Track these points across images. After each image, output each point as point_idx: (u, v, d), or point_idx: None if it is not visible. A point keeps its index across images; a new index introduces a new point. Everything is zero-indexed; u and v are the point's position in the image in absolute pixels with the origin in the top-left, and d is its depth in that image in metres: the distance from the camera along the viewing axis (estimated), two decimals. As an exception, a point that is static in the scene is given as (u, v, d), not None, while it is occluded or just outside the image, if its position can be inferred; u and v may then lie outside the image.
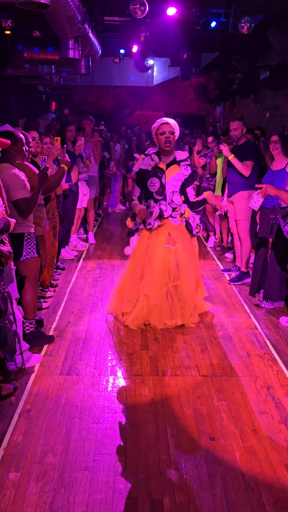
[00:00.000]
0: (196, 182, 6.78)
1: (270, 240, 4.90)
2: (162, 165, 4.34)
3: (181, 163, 4.37)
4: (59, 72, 12.03)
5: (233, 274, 5.91)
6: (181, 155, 4.40)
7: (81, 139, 6.96)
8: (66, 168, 4.48)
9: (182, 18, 7.35)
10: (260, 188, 4.18)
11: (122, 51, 11.11)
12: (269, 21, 7.63)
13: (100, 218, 10.07)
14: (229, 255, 6.95)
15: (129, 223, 4.55)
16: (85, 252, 7.23)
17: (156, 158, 4.32)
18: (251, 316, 4.71)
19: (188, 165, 4.42)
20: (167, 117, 4.50)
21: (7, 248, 3.17)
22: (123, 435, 2.88)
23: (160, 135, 4.20)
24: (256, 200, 4.71)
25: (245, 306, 4.98)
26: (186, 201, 4.45)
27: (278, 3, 6.85)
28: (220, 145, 5.67)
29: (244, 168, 5.50)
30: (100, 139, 8.32)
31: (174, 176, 4.34)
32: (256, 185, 4.34)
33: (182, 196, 4.42)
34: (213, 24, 8.13)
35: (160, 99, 15.43)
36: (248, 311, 4.85)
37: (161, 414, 3.09)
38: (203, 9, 7.48)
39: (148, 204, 4.38)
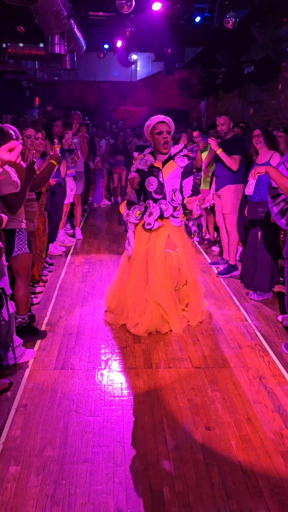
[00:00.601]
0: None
1: (260, 233, 4.95)
2: (158, 164, 4.12)
3: (176, 157, 4.13)
4: (43, 67, 11.92)
5: (221, 267, 5.96)
6: (175, 148, 4.18)
7: (69, 133, 6.95)
8: (55, 164, 4.44)
9: (167, 13, 7.34)
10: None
11: (106, 46, 11.08)
12: (253, 16, 7.70)
13: (86, 214, 10.05)
14: (215, 249, 7.01)
15: (122, 208, 4.28)
16: (72, 247, 7.22)
17: (150, 157, 4.13)
18: (241, 308, 4.77)
19: (185, 155, 4.17)
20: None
21: None
22: (120, 427, 2.90)
23: (157, 135, 4.00)
24: (250, 184, 4.44)
25: (234, 298, 5.04)
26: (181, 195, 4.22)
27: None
28: (209, 139, 5.70)
29: (232, 162, 5.55)
30: (87, 134, 8.29)
31: (172, 173, 4.12)
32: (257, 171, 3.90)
33: (189, 188, 4.22)
34: (198, 19, 8.17)
35: (143, 94, 15.39)
36: (238, 303, 4.90)
37: (157, 406, 3.12)
38: (188, 4, 7.50)
39: (147, 205, 4.12)
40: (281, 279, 5.24)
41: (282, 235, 5.11)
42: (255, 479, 2.48)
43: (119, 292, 4.36)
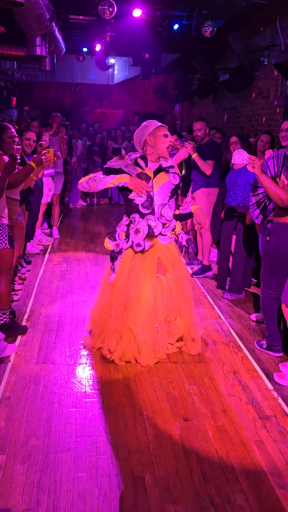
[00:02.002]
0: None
1: (234, 236, 5.11)
2: (149, 172, 3.48)
3: (170, 170, 3.59)
4: (21, 68, 11.87)
5: (195, 268, 6.10)
6: (165, 162, 3.61)
7: (46, 134, 6.97)
8: (34, 166, 4.39)
9: (146, 19, 7.46)
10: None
11: (85, 49, 11.15)
12: (229, 26, 7.89)
13: (62, 214, 10.05)
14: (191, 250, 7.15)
15: (108, 244, 3.64)
16: (50, 246, 7.25)
17: (142, 163, 3.48)
18: (215, 307, 4.91)
19: (175, 173, 3.65)
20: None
21: None
22: (102, 418, 2.98)
23: (164, 137, 3.44)
24: (238, 155, 3.77)
25: (208, 297, 5.18)
26: None
27: (238, 8, 7.10)
28: (185, 143, 5.82)
29: (206, 167, 5.69)
30: (65, 136, 8.32)
31: (162, 186, 3.54)
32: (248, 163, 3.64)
33: (172, 210, 3.66)
34: (176, 26, 8.32)
35: (120, 98, 15.48)
36: (212, 302, 5.04)
37: (137, 398, 3.21)
38: (167, 12, 7.63)
39: (132, 219, 3.52)
40: (254, 280, 5.43)
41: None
42: (231, 466, 2.59)
43: (98, 313, 3.82)
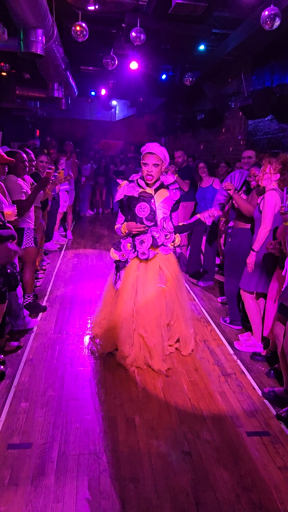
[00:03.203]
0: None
1: (204, 237, 5.15)
2: (150, 190, 3.06)
3: (170, 187, 3.14)
4: (42, 106, 11.81)
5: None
6: (167, 179, 3.16)
7: (62, 159, 6.98)
8: (49, 193, 4.37)
9: (141, 70, 7.45)
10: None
11: (93, 93, 11.10)
12: (205, 77, 7.89)
13: (74, 220, 10.03)
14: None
15: (114, 254, 3.19)
16: (65, 245, 7.24)
17: (142, 183, 3.05)
18: (191, 292, 4.93)
19: (176, 188, 3.18)
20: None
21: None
22: (103, 376, 3.00)
23: (143, 165, 2.98)
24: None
25: (186, 285, 5.18)
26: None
27: (211, 63, 7.12)
28: (169, 166, 5.85)
29: (184, 185, 5.76)
30: (77, 160, 8.31)
31: (164, 201, 3.08)
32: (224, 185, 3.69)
33: (175, 222, 3.22)
34: (164, 76, 8.31)
35: (120, 131, 15.42)
36: (188, 288, 5.06)
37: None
38: (157, 65, 7.62)
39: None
40: (217, 269, 5.47)
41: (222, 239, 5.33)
42: (200, 410, 2.63)
43: (105, 320, 3.33)
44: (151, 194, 3.04)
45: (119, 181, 3.21)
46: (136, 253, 3.09)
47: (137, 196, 3.04)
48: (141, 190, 3.07)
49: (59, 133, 14.84)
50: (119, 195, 3.11)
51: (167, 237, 3.14)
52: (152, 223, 3.03)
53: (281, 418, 2.56)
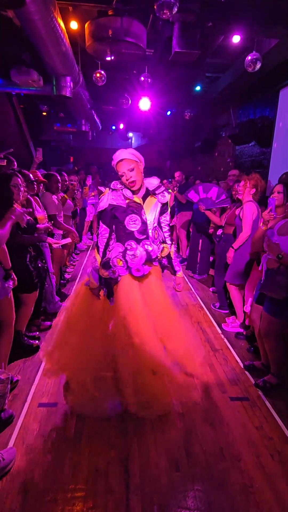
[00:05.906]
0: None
1: (200, 240, 5.04)
2: (138, 199, 2.11)
3: (156, 192, 2.15)
4: (74, 138, 11.85)
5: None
6: (151, 183, 2.18)
7: (88, 178, 6.98)
8: (67, 197, 4.46)
9: (150, 108, 7.36)
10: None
11: (113, 127, 11.06)
12: (201, 112, 7.77)
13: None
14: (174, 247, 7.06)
15: (103, 272, 2.14)
16: (91, 245, 7.23)
17: (128, 192, 2.08)
18: (188, 283, 4.84)
19: (164, 191, 2.18)
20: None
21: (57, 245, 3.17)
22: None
23: (121, 177, 2.08)
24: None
25: (184, 276, 5.12)
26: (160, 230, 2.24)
27: (205, 101, 7.00)
28: (170, 184, 5.79)
29: (182, 198, 5.67)
30: (100, 179, 8.30)
31: (152, 208, 2.15)
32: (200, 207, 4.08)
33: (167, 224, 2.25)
34: (168, 112, 8.21)
35: (135, 157, 15.38)
36: (186, 279, 4.98)
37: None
38: (164, 103, 7.52)
39: (128, 246, 2.10)
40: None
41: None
42: (193, 378, 2.55)
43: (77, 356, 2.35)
44: (140, 204, 2.11)
45: (101, 188, 2.30)
46: (128, 270, 2.11)
47: (125, 206, 2.09)
48: (128, 200, 2.10)
49: (88, 159, 14.88)
50: (103, 204, 2.11)
51: (159, 248, 2.20)
52: (144, 236, 2.11)
53: (258, 386, 2.46)
